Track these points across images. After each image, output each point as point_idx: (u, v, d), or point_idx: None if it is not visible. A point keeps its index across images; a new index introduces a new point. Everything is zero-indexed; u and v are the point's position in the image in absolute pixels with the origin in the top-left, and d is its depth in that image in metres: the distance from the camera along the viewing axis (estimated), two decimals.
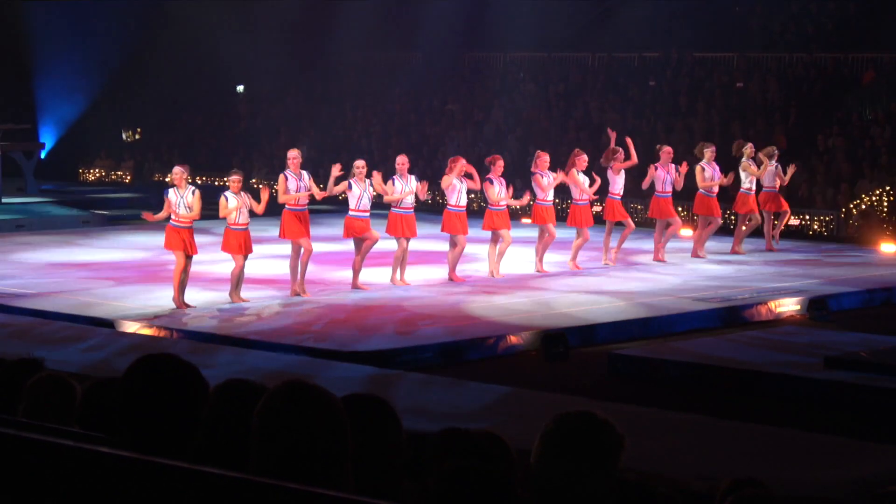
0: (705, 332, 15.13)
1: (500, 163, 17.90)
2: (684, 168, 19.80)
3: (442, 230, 17.60)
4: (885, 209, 23.24)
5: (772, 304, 16.27)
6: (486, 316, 15.18)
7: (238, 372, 10.98)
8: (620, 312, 15.48)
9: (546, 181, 18.24)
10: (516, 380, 12.59)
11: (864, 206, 23.37)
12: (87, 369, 11.36)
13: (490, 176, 17.74)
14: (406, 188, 16.86)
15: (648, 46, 30.18)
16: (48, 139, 34.67)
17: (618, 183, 19.13)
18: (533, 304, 15.94)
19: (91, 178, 34.20)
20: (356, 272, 16.72)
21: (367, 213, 16.52)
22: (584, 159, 18.71)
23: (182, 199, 15.15)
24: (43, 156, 33.44)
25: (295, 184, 16.06)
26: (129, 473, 2.57)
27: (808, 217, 23.90)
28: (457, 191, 17.34)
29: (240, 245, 15.44)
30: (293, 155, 16.13)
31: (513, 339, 14.07)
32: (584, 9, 31.56)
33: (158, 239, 18.23)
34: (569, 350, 13.92)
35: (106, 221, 25.32)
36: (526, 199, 18.79)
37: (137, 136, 35.87)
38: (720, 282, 17.82)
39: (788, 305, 16.40)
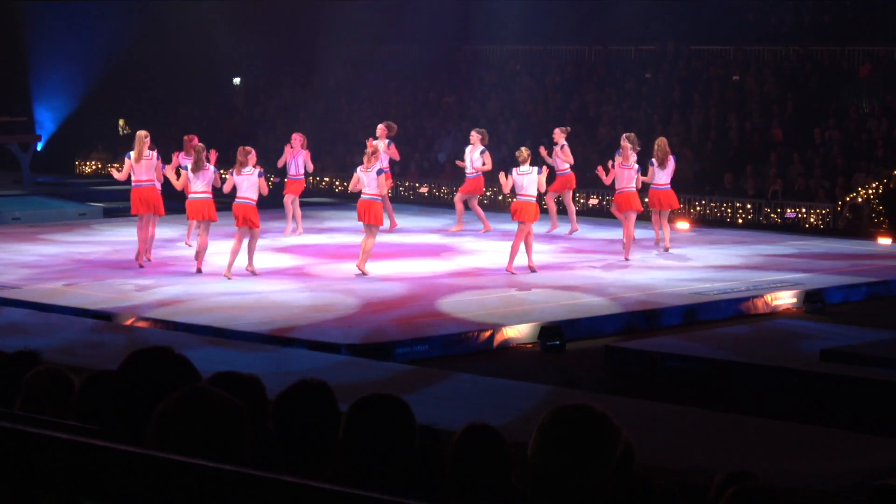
0: (702, 324, 15.15)
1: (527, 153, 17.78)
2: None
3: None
4: (881, 202, 23.24)
5: (768, 297, 16.27)
6: (483, 309, 15.19)
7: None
8: (616, 305, 15.49)
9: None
10: (513, 373, 12.61)
11: (858, 200, 23.35)
12: (85, 362, 11.35)
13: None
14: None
15: (645, 39, 30.15)
16: (44, 132, 34.64)
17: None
18: (530, 298, 15.95)
19: (87, 170, 34.15)
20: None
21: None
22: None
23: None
24: (39, 148, 33.42)
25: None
26: (124, 465, 2.58)
27: (804, 210, 23.89)
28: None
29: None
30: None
31: (509, 331, 14.09)
32: (580, 1, 31.52)
33: (158, 232, 18.26)
34: (565, 343, 13.93)
35: (102, 214, 25.28)
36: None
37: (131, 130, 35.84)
38: (717, 275, 17.81)
39: (785, 298, 16.41)
